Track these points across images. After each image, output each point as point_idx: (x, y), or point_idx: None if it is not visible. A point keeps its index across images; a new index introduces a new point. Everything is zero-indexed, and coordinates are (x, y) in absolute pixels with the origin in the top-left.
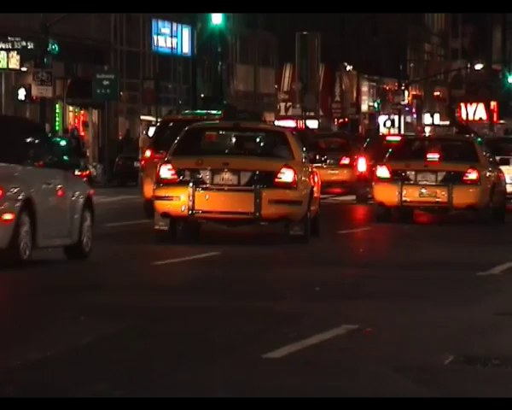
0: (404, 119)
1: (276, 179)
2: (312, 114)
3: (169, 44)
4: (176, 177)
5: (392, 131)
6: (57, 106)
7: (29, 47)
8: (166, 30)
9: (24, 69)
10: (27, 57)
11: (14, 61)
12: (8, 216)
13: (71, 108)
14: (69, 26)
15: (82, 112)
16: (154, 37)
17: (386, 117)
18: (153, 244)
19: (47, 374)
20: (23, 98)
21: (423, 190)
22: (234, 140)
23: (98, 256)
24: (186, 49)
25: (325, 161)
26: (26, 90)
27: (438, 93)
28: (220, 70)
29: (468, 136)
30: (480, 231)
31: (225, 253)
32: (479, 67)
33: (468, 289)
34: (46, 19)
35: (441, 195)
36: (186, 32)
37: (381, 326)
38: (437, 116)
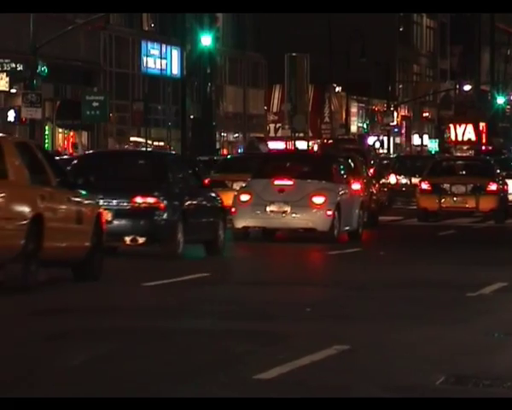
0: (394, 140)
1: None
2: (302, 135)
3: (158, 66)
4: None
5: (382, 151)
6: (47, 127)
7: (18, 69)
8: (156, 51)
9: (13, 91)
10: (17, 79)
11: (4, 83)
12: (329, 212)
13: (60, 129)
14: (58, 48)
15: (71, 133)
16: (144, 58)
17: (376, 138)
18: (141, 265)
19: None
20: (13, 120)
21: (455, 199)
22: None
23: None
24: (175, 70)
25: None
26: (15, 112)
27: (427, 114)
28: (209, 91)
29: (486, 157)
30: (470, 251)
31: (215, 274)
32: (467, 87)
33: (458, 310)
34: (35, 41)
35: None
36: (175, 53)
37: (372, 346)
38: (426, 137)
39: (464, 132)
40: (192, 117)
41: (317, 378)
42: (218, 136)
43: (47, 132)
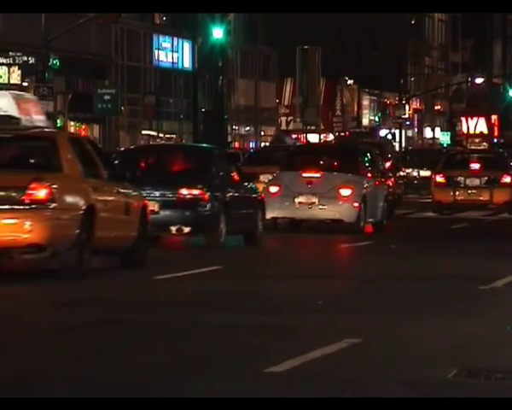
0: (405, 133)
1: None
2: (313, 128)
3: (170, 59)
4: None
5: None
6: (58, 120)
7: (30, 62)
8: (167, 44)
9: (25, 84)
10: (28, 72)
11: (16, 76)
12: (356, 204)
13: (72, 122)
14: (70, 41)
15: (83, 126)
16: (155, 51)
17: (387, 131)
18: (154, 258)
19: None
20: None
21: (470, 191)
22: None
23: (97, 271)
24: (187, 63)
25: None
26: None
27: (438, 107)
28: (221, 84)
29: (500, 150)
30: (482, 244)
31: (227, 267)
32: (479, 80)
33: (470, 303)
34: (47, 34)
35: (484, 194)
36: (187, 46)
37: (383, 340)
38: (438, 130)
39: (476, 125)
40: (203, 110)
41: (328, 372)
42: (229, 129)
43: (59, 125)
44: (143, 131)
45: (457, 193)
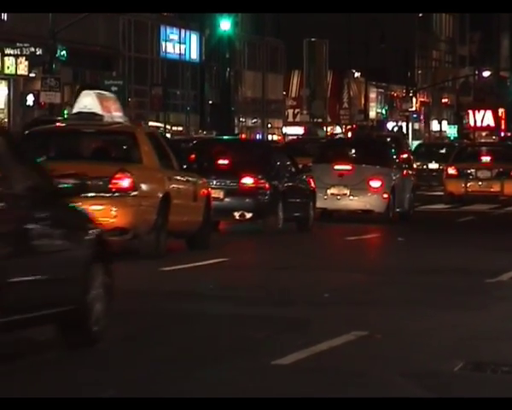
0: (412, 125)
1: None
2: (320, 120)
3: (177, 50)
4: None
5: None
6: (65, 112)
7: (37, 53)
8: (175, 36)
9: (32, 75)
10: (36, 63)
11: (23, 67)
12: (385, 195)
13: None
14: (77, 33)
15: None
16: (163, 43)
17: (394, 124)
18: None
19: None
20: (31, 104)
21: (481, 183)
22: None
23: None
24: (194, 55)
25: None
26: (34, 96)
27: (446, 100)
28: (228, 76)
29: (508, 143)
30: (489, 237)
31: (234, 259)
32: (486, 74)
33: (476, 296)
34: (54, 25)
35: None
36: (194, 38)
37: (390, 333)
38: (445, 123)
39: (483, 118)
40: (211, 102)
41: (335, 364)
42: (236, 121)
43: (66, 116)
44: (150, 123)
45: (469, 185)
